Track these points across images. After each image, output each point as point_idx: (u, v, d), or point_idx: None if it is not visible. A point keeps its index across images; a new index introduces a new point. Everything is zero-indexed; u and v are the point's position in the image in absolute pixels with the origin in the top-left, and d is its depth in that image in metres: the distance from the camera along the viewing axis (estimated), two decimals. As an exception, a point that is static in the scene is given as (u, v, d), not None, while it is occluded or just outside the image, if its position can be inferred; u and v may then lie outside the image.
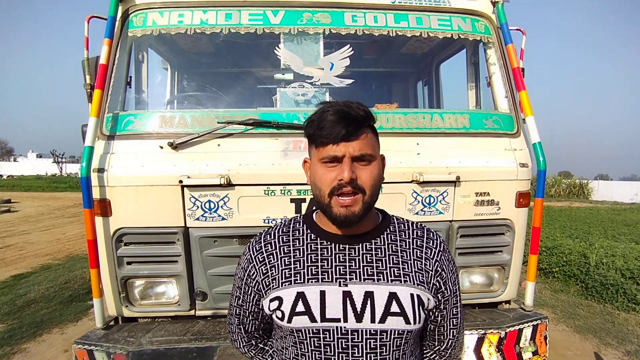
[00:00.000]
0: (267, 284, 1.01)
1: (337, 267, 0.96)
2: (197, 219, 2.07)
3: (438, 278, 1.00)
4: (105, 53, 2.11)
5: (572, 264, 5.99)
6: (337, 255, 0.98)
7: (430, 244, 1.03)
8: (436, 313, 1.04)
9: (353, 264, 0.96)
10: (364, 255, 0.97)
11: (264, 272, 1.01)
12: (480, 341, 2.03)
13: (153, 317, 2.28)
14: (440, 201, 2.17)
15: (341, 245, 0.98)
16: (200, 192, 2.05)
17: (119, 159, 2.06)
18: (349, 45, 2.37)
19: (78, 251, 7.60)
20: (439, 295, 1.01)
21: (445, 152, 2.19)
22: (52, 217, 12.54)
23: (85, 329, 3.47)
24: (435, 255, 1.01)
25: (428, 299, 0.99)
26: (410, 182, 2.11)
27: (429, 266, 1.00)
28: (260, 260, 1.03)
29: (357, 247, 0.98)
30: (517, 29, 2.58)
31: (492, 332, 2.04)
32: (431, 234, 1.05)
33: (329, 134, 0.89)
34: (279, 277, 0.99)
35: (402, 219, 1.07)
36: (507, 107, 2.36)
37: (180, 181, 2.00)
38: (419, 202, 2.15)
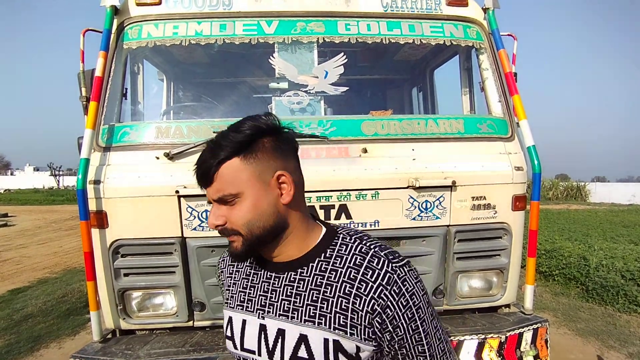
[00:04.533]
0: (226, 297, 1.02)
1: (260, 297, 0.90)
2: (194, 229, 2.07)
3: (377, 319, 0.81)
4: (100, 65, 2.13)
5: (572, 266, 5.97)
6: (262, 284, 0.91)
7: (368, 277, 0.82)
8: (388, 358, 0.87)
9: (273, 295, 0.88)
10: (285, 287, 0.87)
11: (227, 286, 1.02)
12: (480, 346, 2.01)
13: (151, 329, 2.26)
14: (437, 206, 2.17)
15: (268, 273, 0.90)
16: (197, 202, 2.05)
17: (115, 170, 2.06)
18: (342, 54, 2.39)
19: (75, 264, 7.53)
20: (385, 336, 0.82)
21: (440, 157, 2.20)
22: (49, 231, 12.45)
23: (83, 343, 3.43)
24: (372, 292, 0.81)
25: (357, 347, 0.81)
26: (407, 187, 2.12)
27: (359, 305, 0.81)
28: (223, 274, 1.05)
29: (282, 276, 0.88)
30: (508, 35, 2.61)
31: (492, 337, 2.03)
32: (375, 261, 0.83)
33: (195, 177, 0.86)
34: (228, 295, 1.00)
35: (353, 239, 0.89)
36: (500, 112, 2.38)
37: (177, 191, 2.00)
38: (415, 207, 2.15)
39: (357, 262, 0.84)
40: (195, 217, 2.06)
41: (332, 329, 0.81)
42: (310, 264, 0.87)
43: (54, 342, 4.08)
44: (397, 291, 0.81)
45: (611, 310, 4.83)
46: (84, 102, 2.27)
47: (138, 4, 2.28)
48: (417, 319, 0.82)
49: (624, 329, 4.31)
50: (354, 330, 0.81)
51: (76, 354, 1.95)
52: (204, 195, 1.99)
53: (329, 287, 0.83)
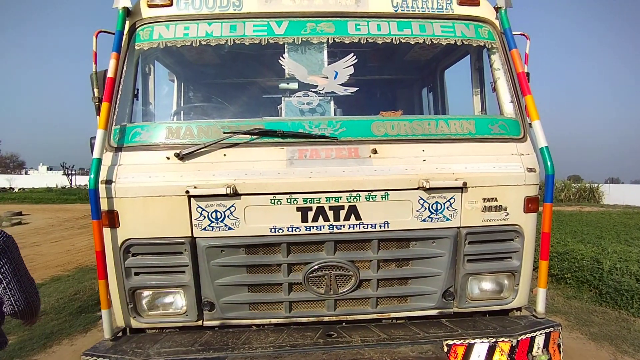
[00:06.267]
0: None
1: None
2: (204, 229, 2.08)
3: None
4: (112, 67, 2.15)
5: (584, 269, 5.87)
6: None
7: None
8: None
9: None
10: None
11: None
12: (491, 350, 1.99)
13: (161, 327, 2.28)
14: (447, 207, 2.15)
15: None
16: (207, 202, 2.06)
17: (126, 170, 2.08)
18: (352, 54, 2.38)
19: (87, 262, 7.64)
20: None
21: (451, 158, 2.18)
22: (62, 229, 12.66)
23: (95, 340, 3.47)
24: None
25: None
26: (417, 188, 2.10)
27: None
28: None
29: None
30: (521, 34, 2.57)
31: (503, 340, 2.00)
32: None
33: None
34: None
35: None
36: (512, 112, 2.35)
37: (187, 191, 2.02)
38: (425, 208, 2.14)
39: None
40: (205, 217, 2.07)
41: None
42: None
43: (66, 339, 4.14)
44: None
45: (625, 315, 4.73)
46: (97, 103, 2.30)
47: (150, 6, 2.30)
48: None
49: (639, 333, 4.22)
50: None
51: (88, 351, 1.97)
52: (213, 196, 2.04)
53: None
